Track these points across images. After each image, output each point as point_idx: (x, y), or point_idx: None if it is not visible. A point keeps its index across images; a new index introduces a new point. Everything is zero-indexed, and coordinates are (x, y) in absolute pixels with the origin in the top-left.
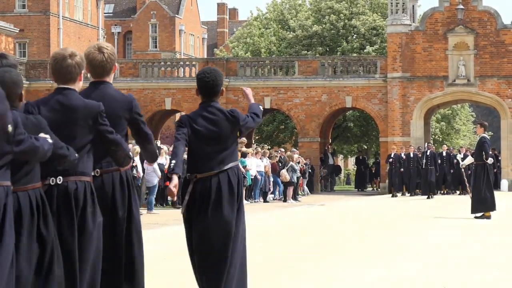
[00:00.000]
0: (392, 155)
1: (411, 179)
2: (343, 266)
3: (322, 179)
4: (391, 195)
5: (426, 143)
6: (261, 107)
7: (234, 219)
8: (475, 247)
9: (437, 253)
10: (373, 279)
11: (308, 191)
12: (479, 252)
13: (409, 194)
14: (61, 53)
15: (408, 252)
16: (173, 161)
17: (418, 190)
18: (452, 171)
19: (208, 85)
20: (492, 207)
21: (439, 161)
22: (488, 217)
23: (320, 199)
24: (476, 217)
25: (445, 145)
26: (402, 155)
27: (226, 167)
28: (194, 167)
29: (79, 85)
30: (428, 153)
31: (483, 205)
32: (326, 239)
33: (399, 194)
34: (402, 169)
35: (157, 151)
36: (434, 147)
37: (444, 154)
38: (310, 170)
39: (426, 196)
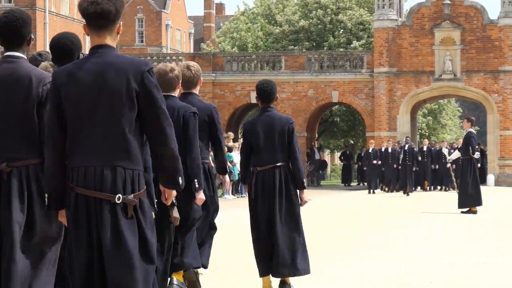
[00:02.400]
0: (370, 150)
1: (388, 175)
2: (330, 261)
3: (309, 174)
4: (367, 191)
5: (405, 138)
6: None
7: (278, 204)
8: (461, 242)
9: (423, 249)
10: (361, 274)
11: None
12: (465, 247)
13: (382, 190)
14: (164, 68)
15: (395, 247)
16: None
17: (396, 187)
18: (434, 166)
19: (266, 93)
20: (479, 202)
21: (420, 156)
22: (475, 212)
23: (307, 194)
24: (462, 212)
25: (426, 140)
26: (382, 149)
27: (278, 164)
28: (255, 162)
29: (178, 92)
30: (406, 148)
31: (469, 200)
32: (313, 234)
33: (376, 191)
34: (372, 163)
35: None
36: (412, 142)
37: (425, 149)
38: None
39: (402, 192)
